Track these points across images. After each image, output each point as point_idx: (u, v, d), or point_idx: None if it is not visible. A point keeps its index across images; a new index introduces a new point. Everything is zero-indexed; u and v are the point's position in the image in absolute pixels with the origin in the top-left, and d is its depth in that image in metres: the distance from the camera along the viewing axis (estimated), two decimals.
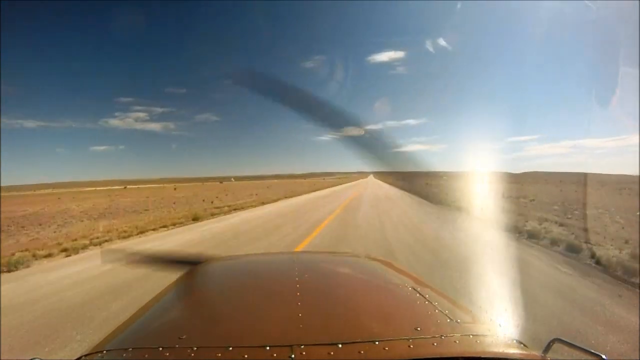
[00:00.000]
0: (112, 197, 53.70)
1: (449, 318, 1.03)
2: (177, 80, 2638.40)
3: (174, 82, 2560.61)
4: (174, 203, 33.02)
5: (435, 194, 26.44)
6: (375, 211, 14.58)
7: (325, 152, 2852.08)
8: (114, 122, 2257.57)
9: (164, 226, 12.57)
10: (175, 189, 79.98)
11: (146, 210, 24.82)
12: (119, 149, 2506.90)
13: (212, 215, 15.51)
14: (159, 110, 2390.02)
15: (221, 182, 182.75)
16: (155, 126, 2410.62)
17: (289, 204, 21.21)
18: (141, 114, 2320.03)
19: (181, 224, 13.31)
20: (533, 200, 19.55)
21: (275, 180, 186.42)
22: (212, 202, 21.03)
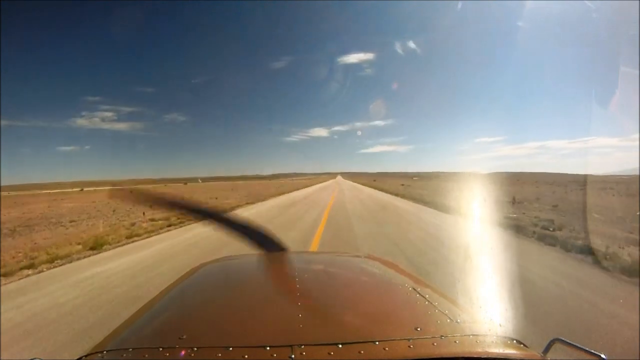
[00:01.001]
0: (57, 201, 45.87)
1: (449, 318, 1.02)
2: (144, 79, 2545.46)
3: (141, 81, 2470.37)
4: (114, 211, 27.28)
5: (428, 197, 22.31)
6: (383, 238, 8.67)
7: (293, 153, 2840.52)
8: (81, 121, 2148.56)
9: (30, 266, 7.27)
10: (131, 191, 71.73)
11: (73, 221, 19.32)
12: (85, 149, 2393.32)
13: (129, 238, 10.17)
14: (127, 109, 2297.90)
15: (185, 184, 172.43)
16: (122, 126, 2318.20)
17: (249, 214, 16.11)
18: (108, 114, 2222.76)
19: (66, 258, 8.02)
20: (556, 205, 15.71)
21: (242, 182, 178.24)
22: (143, 214, 15.51)
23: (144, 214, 15.27)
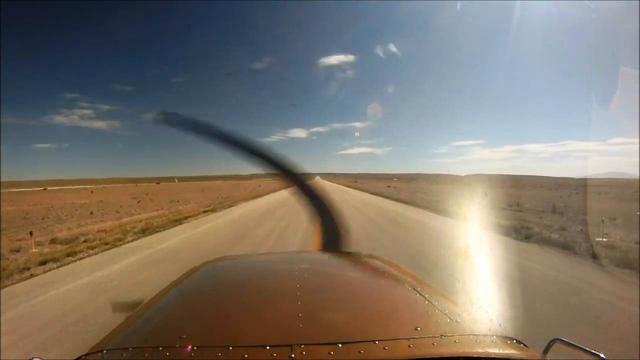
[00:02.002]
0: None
1: (449, 318, 0.99)
2: (124, 77, 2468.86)
3: (121, 79, 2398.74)
4: (43, 218, 21.71)
5: (437, 203, 18.09)
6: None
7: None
8: (59, 119, 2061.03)
9: None
10: (92, 192, 64.80)
11: None
12: (63, 147, 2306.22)
13: None
14: (105, 107, 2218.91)
15: (158, 183, 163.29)
16: (101, 124, 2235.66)
17: (199, 233, 11.20)
18: (87, 111, 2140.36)
19: None
20: (612, 219, 11.40)
21: (220, 182, 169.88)
22: (44, 229, 10.11)
23: (44, 229, 9.95)
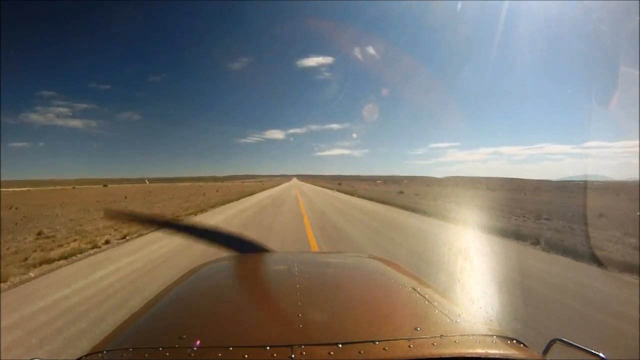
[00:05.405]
0: None
1: (449, 318, 0.95)
2: (101, 75, 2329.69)
3: (97, 78, 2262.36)
4: None
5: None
6: None
7: (248, 154, 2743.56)
8: (35, 117, 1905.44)
9: None
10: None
11: None
12: (39, 146, 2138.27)
13: None
14: (82, 106, 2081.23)
15: (105, 186, 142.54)
16: (76, 123, 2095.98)
17: None
18: (63, 110, 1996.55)
19: None
20: None
21: (188, 184, 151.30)
22: None
23: None
